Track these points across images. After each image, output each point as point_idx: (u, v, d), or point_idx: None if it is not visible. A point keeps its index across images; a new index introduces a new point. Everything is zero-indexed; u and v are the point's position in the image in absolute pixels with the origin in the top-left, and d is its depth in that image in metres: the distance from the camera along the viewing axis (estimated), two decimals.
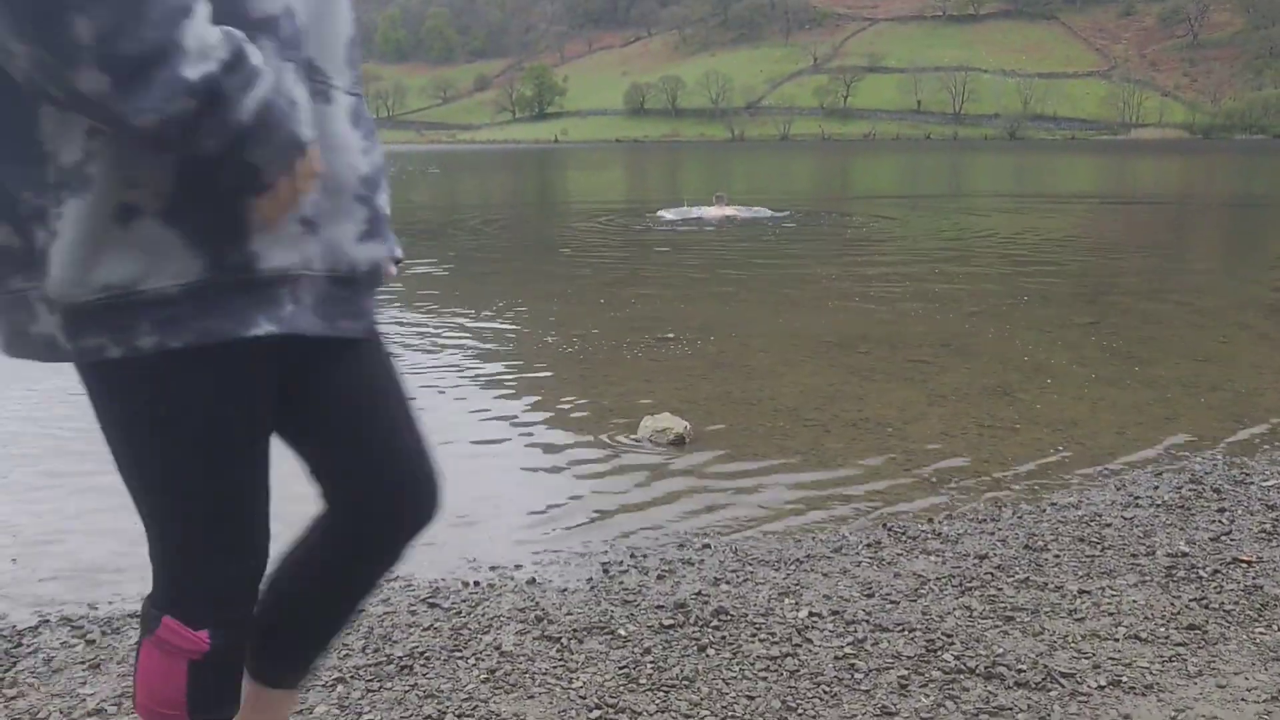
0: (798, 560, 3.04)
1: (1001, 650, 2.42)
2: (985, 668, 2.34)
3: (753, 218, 17.04)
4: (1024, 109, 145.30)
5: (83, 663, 2.46)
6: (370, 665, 2.42)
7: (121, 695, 2.30)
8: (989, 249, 11.87)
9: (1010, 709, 2.18)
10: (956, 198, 22.50)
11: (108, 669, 2.43)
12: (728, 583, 2.88)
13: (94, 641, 2.58)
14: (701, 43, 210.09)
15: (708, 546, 3.18)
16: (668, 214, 17.65)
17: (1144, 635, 2.50)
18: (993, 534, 3.24)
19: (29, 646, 2.56)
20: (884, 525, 3.34)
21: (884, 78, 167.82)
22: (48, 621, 2.72)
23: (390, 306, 7.78)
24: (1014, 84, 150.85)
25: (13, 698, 2.31)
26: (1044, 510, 3.46)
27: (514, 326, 7.09)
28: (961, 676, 2.31)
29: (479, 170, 44.96)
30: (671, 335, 6.55)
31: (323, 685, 2.32)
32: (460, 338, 6.66)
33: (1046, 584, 2.82)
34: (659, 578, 2.93)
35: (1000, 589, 2.79)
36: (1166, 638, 2.48)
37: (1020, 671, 2.32)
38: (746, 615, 2.65)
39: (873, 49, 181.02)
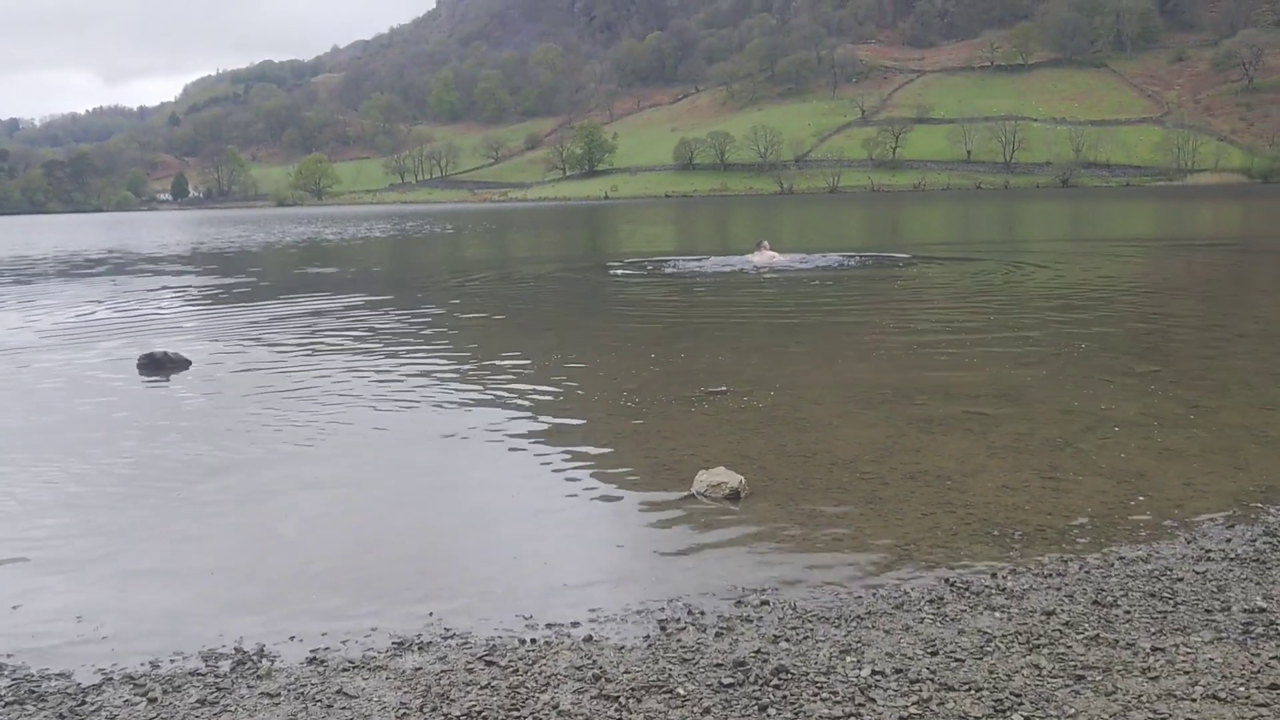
0: (858, 617, 2.98)
1: (1073, 711, 2.34)
2: None
3: (799, 265, 17.13)
4: (1076, 156, 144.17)
5: None
6: None
7: None
8: (1044, 296, 11.72)
9: None
10: (1009, 245, 22.29)
11: None
12: (787, 640, 2.83)
13: (155, 700, 2.59)
14: (749, 98, 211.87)
15: (766, 603, 3.13)
16: (722, 259, 18.02)
17: (1223, 695, 2.41)
18: (1059, 589, 3.15)
19: (92, 705, 2.58)
20: (946, 581, 3.27)
21: (932, 128, 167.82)
22: (111, 679, 2.74)
23: (445, 359, 7.85)
24: (1065, 131, 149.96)
25: None
26: (1112, 565, 3.37)
27: (567, 381, 7.10)
28: None
29: (532, 226, 45.48)
30: (724, 389, 6.52)
31: None
32: (515, 393, 6.68)
33: (1118, 641, 2.74)
34: (717, 635, 2.89)
35: (1069, 646, 2.71)
36: (1247, 698, 2.39)
37: None
38: (807, 674, 2.60)
39: (920, 100, 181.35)
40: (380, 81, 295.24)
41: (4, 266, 23.53)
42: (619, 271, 17.49)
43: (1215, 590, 3.09)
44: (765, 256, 18.06)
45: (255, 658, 2.85)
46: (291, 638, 2.99)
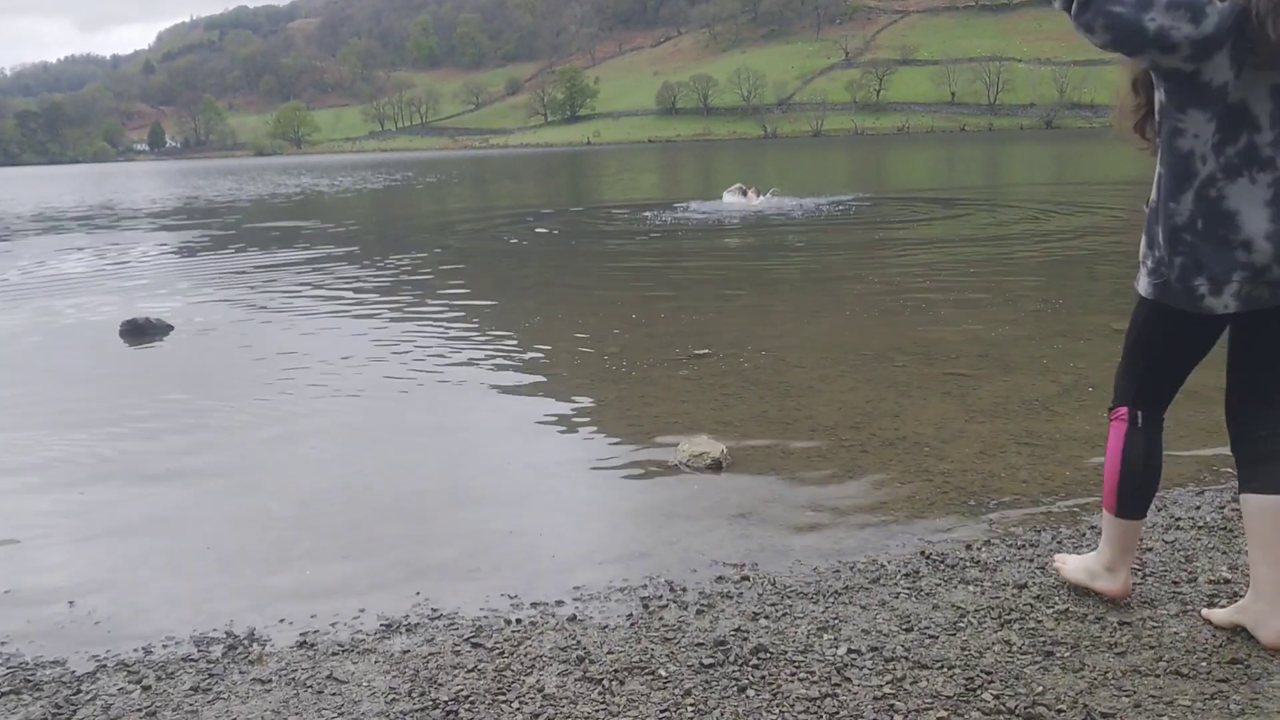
0: (836, 592, 3.06)
1: (1041, 689, 2.42)
2: (1025, 708, 2.34)
3: (787, 208, 17.40)
4: (1060, 97, 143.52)
5: (139, 710, 2.53)
6: (416, 710, 2.47)
7: None
8: (1026, 247, 11.77)
9: None
10: (991, 190, 22.28)
11: (164, 716, 2.50)
12: (766, 617, 2.90)
13: (149, 688, 2.65)
14: (732, 40, 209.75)
15: (746, 579, 3.20)
16: (705, 205, 18.24)
17: (1185, 670, 2.49)
18: (1032, 560, 3.23)
19: (87, 694, 2.63)
20: (923, 553, 3.34)
21: (917, 70, 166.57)
22: (105, 666, 2.79)
23: (427, 321, 7.87)
24: (1049, 72, 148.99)
25: None
26: (1084, 535, 3.45)
27: (549, 343, 7.14)
28: (1001, 717, 2.32)
29: (515, 175, 45.16)
30: (706, 351, 6.57)
31: None
32: (495, 354, 6.71)
33: (1087, 615, 2.82)
34: (698, 613, 2.96)
35: (1040, 621, 2.79)
36: (1209, 673, 2.47)
37: (1060, 712, 2.32)
38: (786, 653, 2.68)
39: (905, 41, 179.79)
40: (358, 27, 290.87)
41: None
42: (601, 223, 17.45)
43: (1183, 560, 3.18)
44: (742, 200, 18.22)
45: (246, 642, 2.90)
46: (281, 620, 3.05)
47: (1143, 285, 2.65)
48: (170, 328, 8.05)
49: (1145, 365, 2.76)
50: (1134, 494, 2.76)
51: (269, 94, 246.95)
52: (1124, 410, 2.78)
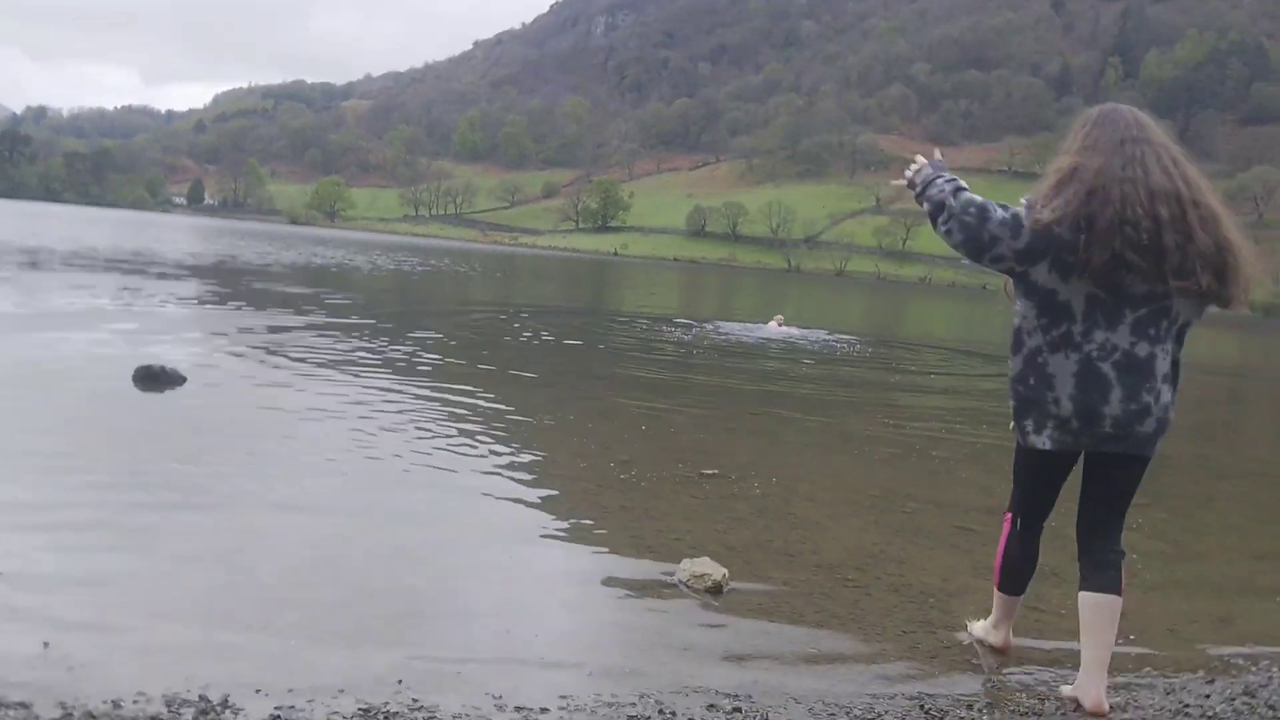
0: None
1: None
2: None
3: (812, 340, 17.55)
4: None
5: None
6: None
7: None
8: None
9: None
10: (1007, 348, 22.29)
11: None
12: None
13: None
14: (767, 173, 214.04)
15: (739, 710, 3.10)
16: (727, 325, 18.36)
17: None
18: None
19: None
20: (922, 707, 3.24)
21: None
22: (71, 715, 2.69)
23: (442, 403, 7.83)
24: None
25: None
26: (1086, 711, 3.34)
27: (558, 443, 7.09)
28: None
29: (541, 275, 45.68)
30: (715, 472, 6.50)
31: None
32: (501, 448, 6.64)
33: None
34: None
35: None
36: None
37: None
38: None
39: None
40: (408, 113, 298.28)
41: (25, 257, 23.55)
42: (619, 331, 17.55)
43: None
44: (780, 330, 18.53)
45: (219, 709, 2.80)
46: (258, 691, 2.94)
47: (1013, 430, 3.51)
48: (184, 379, 8.03)
49: (1022, 490, 3.64)
50: (1011, 577, 3.67)
51: (312, 166, 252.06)
52: (1009, 516, 3.68)
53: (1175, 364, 3.31)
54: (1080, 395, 3.20)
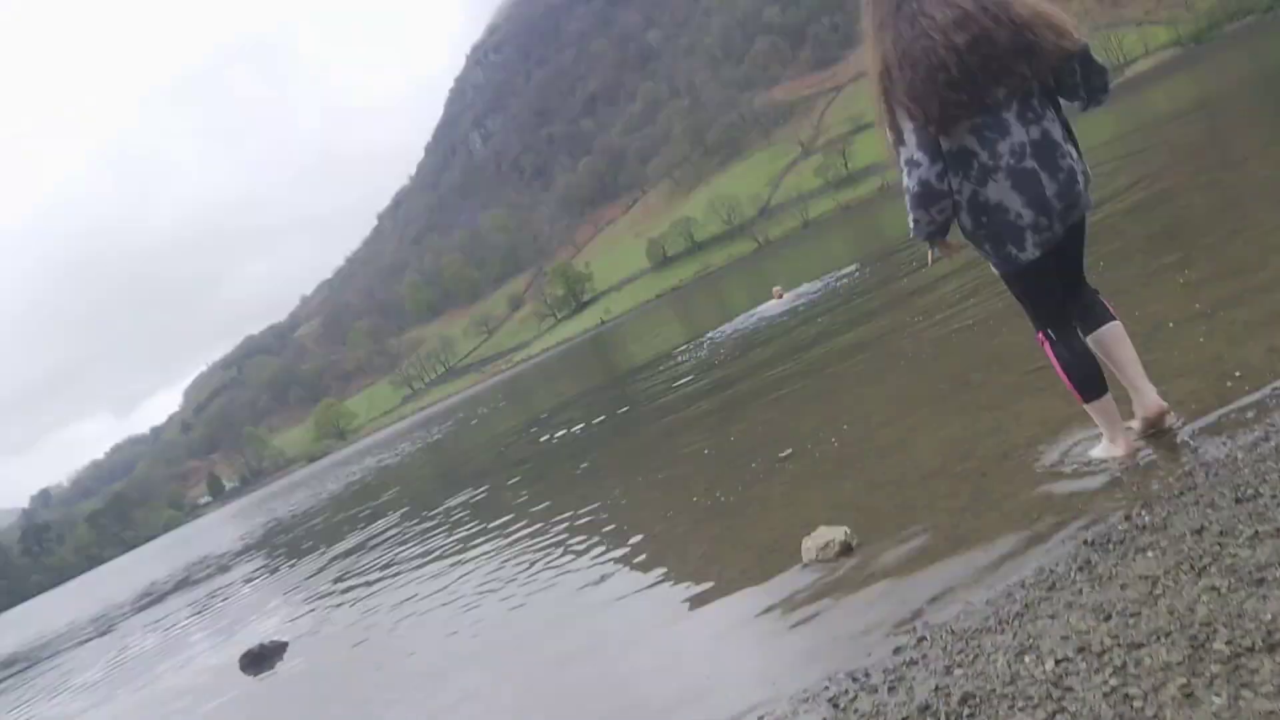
0: (1018, 615, 2.87)
1: (1270, 615, 2.23)
2: (1263, 641, 2.14)
3: (812, 293, 17.41)
4: None
5: None
6: None
7: None
8: None
9: None
10: None
11: None
12: (959, 666, 2.72)
13: None
14: (695, 178, 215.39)
15: (923, 639, 3.02)
16: (733, 324, 18.32)
17: None
18: (1197, 503, 3.04)
19: None
20: (1086, 543, 3.15)
21: (871, 131, 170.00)
22: None
23: (514, 542, 7.77)
24: None
25: None
26: (1236, 458, 3.25)
27: (639, 510, 7.02)
28: (1244, 659, 2.12)
29: (548, 379, 45.76)
30: (790, 451, 6.43)
31: None
32: (596, 546, 6.58)
33: (1276, 531, 2.62)
34: (890, 690, 2.78)
35: (1235, 554, 2.59)
36: None
37: None
38: (994, 690, 2.49)
39: (849, 112, 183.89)
40: (357, 309, 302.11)
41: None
42: (643, 383, 17.51)
43: None
44: (779, 303, 18.39)
45: None
46: None
47: (998, 267, 3.78)
48: (285, 645, 8.02)
49: (1035, 304, 3.81)
50: (1085, 382, 3.69)
51: (301, 403, 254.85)
52: (1040, 336, 3.82)
53: (1065, 124, 3.59)
54: (1029, 198, 3.48)
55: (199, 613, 14.20)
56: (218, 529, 58.06)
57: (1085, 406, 3.75)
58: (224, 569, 21.37)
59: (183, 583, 23.13)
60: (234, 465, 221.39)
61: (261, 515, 44.32)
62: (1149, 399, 3.70)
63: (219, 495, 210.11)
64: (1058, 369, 3.74)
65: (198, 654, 10.07)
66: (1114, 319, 3.74)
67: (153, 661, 11.17)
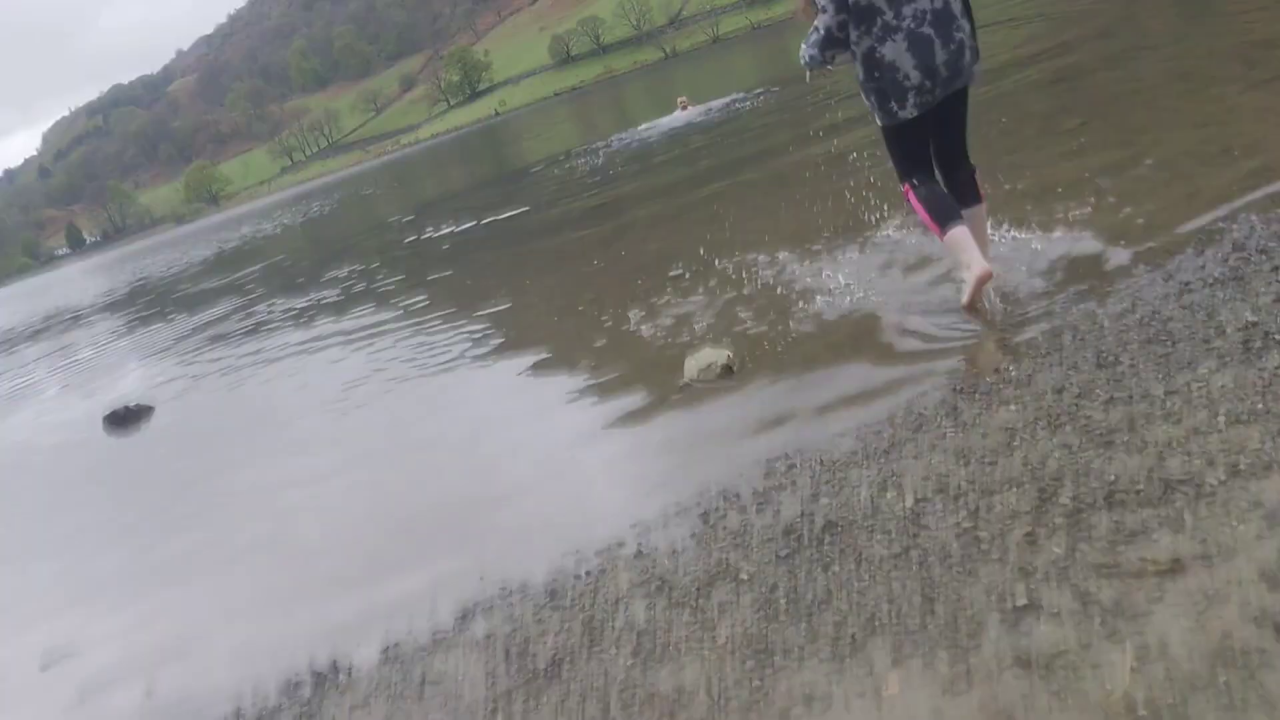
0: (884, 451, 3.04)
1: (1113, 476, 2.42)
2: (1104, 498, 2.34)
3: (719, 108, 17.39)
4: None
5: None
6: (521, 685, 2.45)
7: None
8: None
9: (1144, 531, 2.18)
10: None
11: None
12: (825, 495, 2.89)
13: None
14: None
15: (794, 466, 3.18)
16: (634, 131, 18.21)
17: (1244, 417, 2.49)
18: (1060, 364, 3.22)
19: None
20: (954, 389, 3.33)
21: None
22: None
23: (391, 325, 7.75)
24: None
25: None
26: (1101, 325, 3.43)
27: (524, 314, 7.06)
28: (1085, 514, 2.31)
29: (436, 166, 44.60)
30: (679, 270, 6.50)
31: (484, 715, 2.36)
32: (479, 340, 6.62)
33: (1131, 396, 2.81)
34: (759, 510, 2.95)
35: (1090, 415, 2.78)
36: (1267, 411, 2.47)
37: (1139, 491, 2.32)
38: (855, 521, 2.67)
39: None
40: (237, 69, 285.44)
41: None
42: (532, 184, 17.25)
43: (1206, 318, 3.17)
44: (684, 114, 18.25)
45: (332, 674, 2.88)
46: (359, 644, 3.02)
47: (880, 120, 4.12)
48: (151, 409, 7.93)
49: (904, 158, 4.15)
50: (940, 211, 3.97)
51: (170, 161, 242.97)
52: (906, 187, 4.15)
53: (965, 1, 3.94)
54: (920, 62, 3.85)
55: (58, 369, 13.82)
56: (78, 281, 55.95)
57: (944, 241, 3.98)
58: (86, 323, 20.72)
59: (40, 333, 22.37)
60: (96, 219, 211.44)
61: (125, 273, 42.80)
62: (978, 265, 3.87)
63: (79, 248, 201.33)
64: (919, 209, 4.06)
65: (56, 409, 9.88)
66: (981, 201, 4.18)
67: (5, 413, 10.91)
